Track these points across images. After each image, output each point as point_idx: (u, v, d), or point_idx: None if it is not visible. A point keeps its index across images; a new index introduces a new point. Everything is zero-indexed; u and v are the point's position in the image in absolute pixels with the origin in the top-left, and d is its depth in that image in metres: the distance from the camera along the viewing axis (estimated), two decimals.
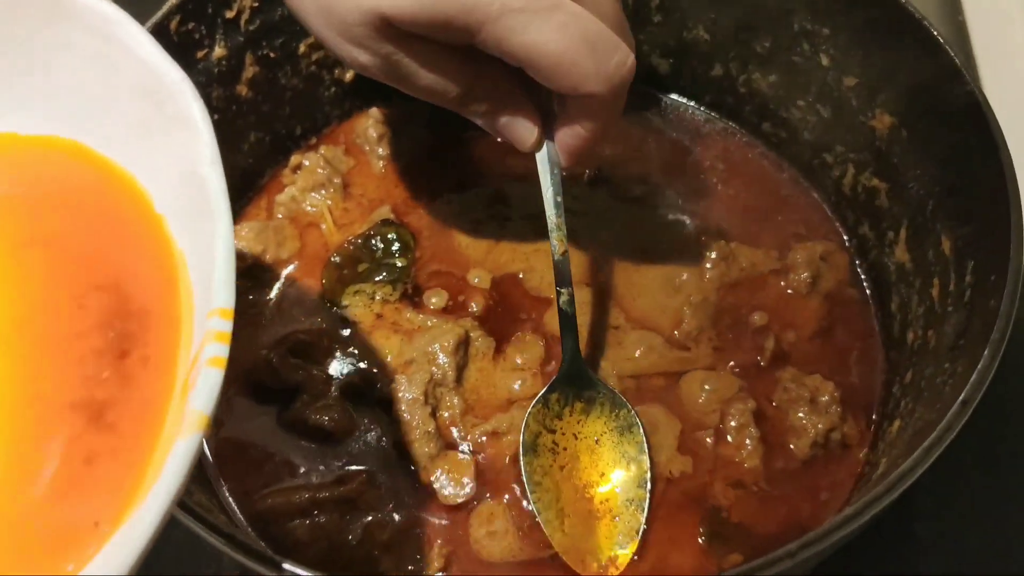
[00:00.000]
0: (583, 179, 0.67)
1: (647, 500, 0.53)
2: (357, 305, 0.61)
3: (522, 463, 0.53)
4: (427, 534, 0.53)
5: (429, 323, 0.60)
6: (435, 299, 0.61)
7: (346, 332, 0.60)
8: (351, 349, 0.59)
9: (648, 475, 0.54)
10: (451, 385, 0.57)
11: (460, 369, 0.58)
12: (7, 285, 0.39)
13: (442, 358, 0.57)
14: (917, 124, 0.58)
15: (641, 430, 0.55)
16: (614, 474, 0.54)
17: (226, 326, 0.33)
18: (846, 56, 0.62)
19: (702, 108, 0.72)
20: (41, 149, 0.42)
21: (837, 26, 0.61)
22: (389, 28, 0.48)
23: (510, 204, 0.66)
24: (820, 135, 0.66)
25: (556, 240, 0.55)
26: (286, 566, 0.39)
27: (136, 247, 0.39)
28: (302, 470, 0.55)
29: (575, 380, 0.55)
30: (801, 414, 0.56)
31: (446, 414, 0.56)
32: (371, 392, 0.57)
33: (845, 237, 0.65)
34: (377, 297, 0.61)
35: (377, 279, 0.62)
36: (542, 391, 0.55)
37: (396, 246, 0.63)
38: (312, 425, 0.56)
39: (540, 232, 0.62)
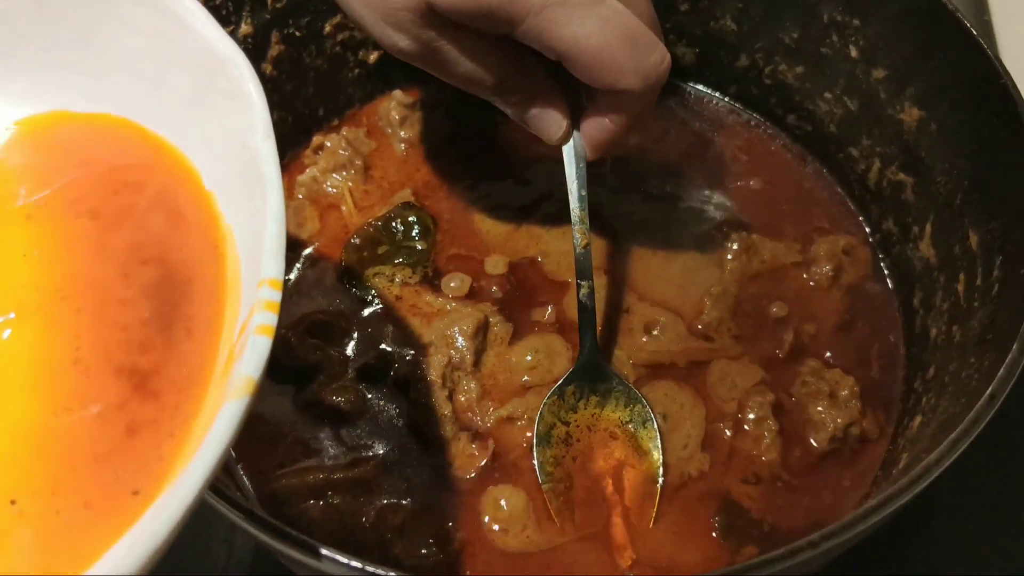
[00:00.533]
0: (605, 167, 0.67)
1: (659, 494, 0.53)
2: (376, 287, 0.61)
3: (535, 453, 0.53)
4: (441, 519, 0.52)
5: (448, 307, 0.60)
6: (454, 283, 0.61)
7: (365, 314, 0.60)
8: (369, 331, 0.59)
9: (661, 470, 0.53)
10: (469, 369, 0.57)
11: (478, 354, 0.57)
12: (53, 254, 0.39)
13: (460, 342, 0.57)
14: (947, 118, 0.57)
15: (655, 425, 0.54)
16: (627, 467, 0.54)
17: (276, 296, 0.34)
18: (876, 48, 0.61)
19: (726, 99, 0.71)
20: (93, 126, 0.42)
21: (868, 17, 0.61)
22: (433, 15, 0.48)
23: (530, 189, 0.66)
24: (846, 128, 0.65)
25: (578, 233, 0.55)
26: (324, 552, 0.39)
27: (184, 223, 0.40)
28: (317, 451, 0.55)
29: (591, 373, 0.55)
30: (820, 408, 0.56)
31: (463, 398, 0.56)
32: (388, 374, 0.57)
33: (868, 231, 0.65)
34: (397, 280, 0.61)
35: (397, 261, 0.62)
36: (558, 383, 0.55)
37: (416, 229, 0.63)
38: (328, 406, 0.55)
39: (559, 217, 0.62)
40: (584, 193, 0.55)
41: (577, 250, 0.55)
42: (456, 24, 0.49)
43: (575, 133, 0.54)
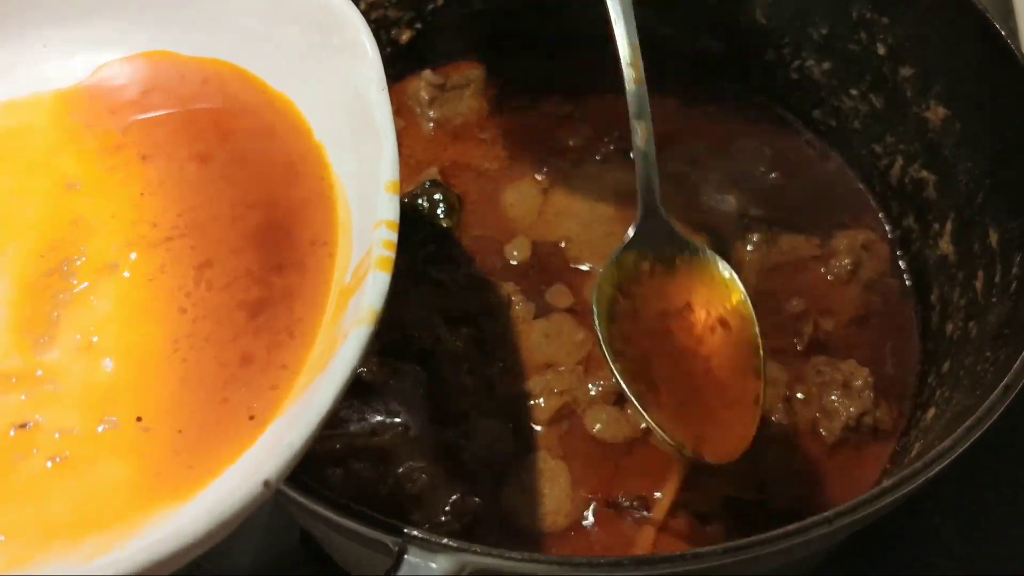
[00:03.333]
0: (628, 156, 0.67)
1: (762, 365, 0.46)
2: (400, 263, 0.62)
3: (597, 330, 0.46)
4: (458, 490, 0.53)
5: (471, 285, 0.60)
6: (478, 261, 0.62)
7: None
8: (392, 305, 0.60)
9: (759, 339, 0.46)
10: (489, 346, 0.58)
11: (500, 330, 0.58)
12: (168, 194, 0.41)
13: (482, 319, 0.58)
14: (972, 117, 0.58)
15: (740, 286, 0.47)
16: (713, 339, 0.46)
17: (393, 235, 0.36)
18: (904, 46, 0.62)
19: (752, 92, 0.72)
20: (204, 68, 0.44)
21: (897, 16, 0.61)
22: None
23: (556, 174, 0.66)
24: (870, 125, 0.66)
25: (631, 69, 0.48)
26: (406, 530, 0.39)
27: (294, 170, 0.41)
28: (339, 420, 0.56)
29: (652, 237, 0.48)
30: (834, 397, 0.56)
31: (483, 373, 0.57)
32: (410, 348, 0.58)
33: (888, 227, 0.65)
34: (421, 256, 0.62)
35: (428, 244, 0.62)
36: (614, 250, 0.48)
37: (442, 207, 0.64)
38: None
39: (584, 203, 0.63)
40: (633, 27, 0.48)
41: (629, 87, 0.47)
42: None
43: None
